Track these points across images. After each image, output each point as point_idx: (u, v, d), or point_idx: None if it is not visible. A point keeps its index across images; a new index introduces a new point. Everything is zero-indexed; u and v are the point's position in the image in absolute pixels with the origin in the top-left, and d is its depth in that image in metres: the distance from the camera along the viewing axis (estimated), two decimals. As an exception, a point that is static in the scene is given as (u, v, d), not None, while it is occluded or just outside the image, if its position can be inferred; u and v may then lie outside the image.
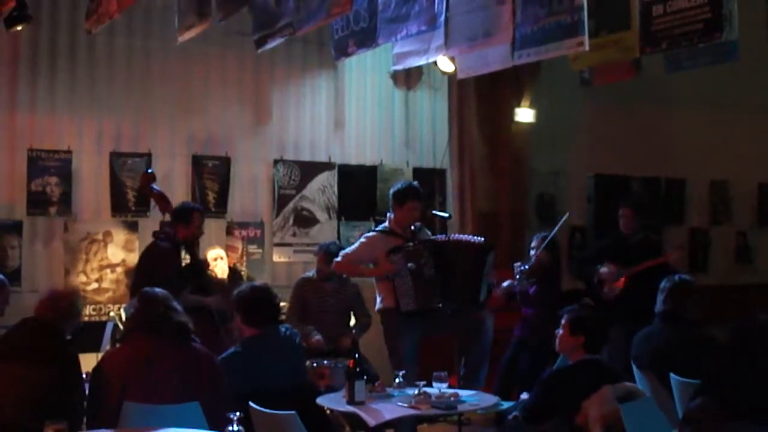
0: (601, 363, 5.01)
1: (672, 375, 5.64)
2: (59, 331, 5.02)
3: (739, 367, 3.00)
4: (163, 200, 7.42)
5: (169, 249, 7.25)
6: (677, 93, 11.09)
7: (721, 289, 11.37)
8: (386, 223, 7.29)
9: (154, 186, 7.46)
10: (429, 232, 7.51)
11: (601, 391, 4.56)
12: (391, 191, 7.30)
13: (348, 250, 7.41)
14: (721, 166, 12.23)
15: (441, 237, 7.44)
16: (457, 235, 7.94)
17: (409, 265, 6.89)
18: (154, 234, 7.59)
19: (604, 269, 7.73)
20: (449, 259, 7.03)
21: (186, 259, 7.59)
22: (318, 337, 7.58)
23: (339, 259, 7.32)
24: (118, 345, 5.06)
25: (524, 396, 5.54)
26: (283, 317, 6.97)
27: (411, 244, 7.04)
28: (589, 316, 5.08)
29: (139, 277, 7.31)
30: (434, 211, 8.34)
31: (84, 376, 5.12)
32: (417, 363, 6.93)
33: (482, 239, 7.32)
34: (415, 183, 7.50)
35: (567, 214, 8.11)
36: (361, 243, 7.28)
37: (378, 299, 7.23)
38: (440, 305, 6.94)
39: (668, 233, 11.41)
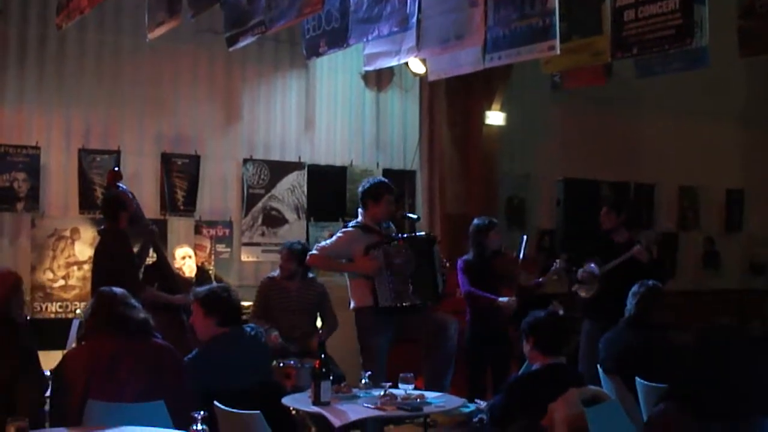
0: (565, 367, 5.03)
1: (637, 379, 5.68)
2: (9, 319, 4.93)
3: (703, 372, 3.02)
4: (127, 199, 7.32)
5: (117, 239, 7.15)
6: (648, 98, 11.18)
7: (688, 295, 11.45)
8: (360, 219, 7.27)
9: (121, 185, 7.38)
10: (394, 227, 7.50)
11: (567, 393, 4.58)
12: (363, 188, 7.23)
13: (324, 243, 7.33)
14: (690, 172, 12.34)
15: (414, 234, 7.47)
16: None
17: (397, 261, 6.91)
18: (99, 232, 7.54)
19: (581, 271, 7.79)
20: (423, 255, 7.08)
21: (152, 257, 7.54)
22: (275, 333, 7.47)
23: (315, 252, 7.26)
24: (83, 343, 4.97)
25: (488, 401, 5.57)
26: (246, 317, 6.92)
27: (393, 240, 7.07)
28: (539, 319, 5.10)
29: (97, 275, 7.17)
30: (404, 213, 8.33)
31: (48, 373, 5.07)
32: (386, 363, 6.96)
33: (423, 233, 7.58)
34: (384, 178, 7.55)
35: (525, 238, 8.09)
36: (339, 237, 7.21)
37: (352, 298, 7.20)
38: (418, 302, 6.99)
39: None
